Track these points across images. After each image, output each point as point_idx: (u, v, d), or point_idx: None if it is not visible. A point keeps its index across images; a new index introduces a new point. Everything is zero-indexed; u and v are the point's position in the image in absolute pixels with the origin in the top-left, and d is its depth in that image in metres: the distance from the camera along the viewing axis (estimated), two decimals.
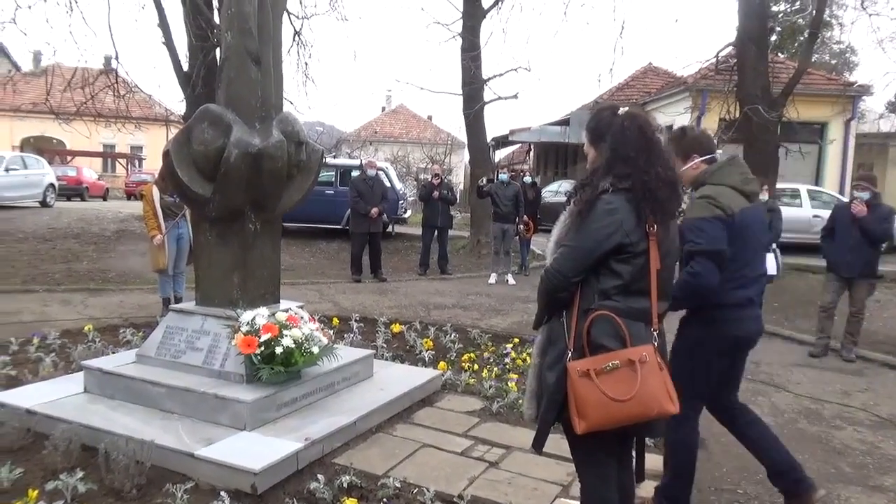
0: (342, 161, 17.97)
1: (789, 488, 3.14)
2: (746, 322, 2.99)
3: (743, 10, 10.92)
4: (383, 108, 48.50)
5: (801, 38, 19.34)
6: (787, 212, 8.11)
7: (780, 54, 21.37)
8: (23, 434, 3.65)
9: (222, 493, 3.01)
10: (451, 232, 11.92)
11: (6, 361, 5.00)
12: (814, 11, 11.81)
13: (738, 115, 11.11)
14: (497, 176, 11.31)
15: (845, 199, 8.50)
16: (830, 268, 6.71)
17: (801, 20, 15.43)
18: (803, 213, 12.86)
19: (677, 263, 2.62)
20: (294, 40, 13.11)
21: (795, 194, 14.42)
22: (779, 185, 12.35)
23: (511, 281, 10.40)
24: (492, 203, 10.64)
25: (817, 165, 17.65)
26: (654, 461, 3.81)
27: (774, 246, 6.89)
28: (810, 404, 5.20)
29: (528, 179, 12.04)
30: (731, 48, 11.83)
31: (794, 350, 6.90)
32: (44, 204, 18.36)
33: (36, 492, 2.97)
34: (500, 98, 14.29)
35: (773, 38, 18.02)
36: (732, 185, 2.84)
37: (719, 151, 3.11)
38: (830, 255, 6.65)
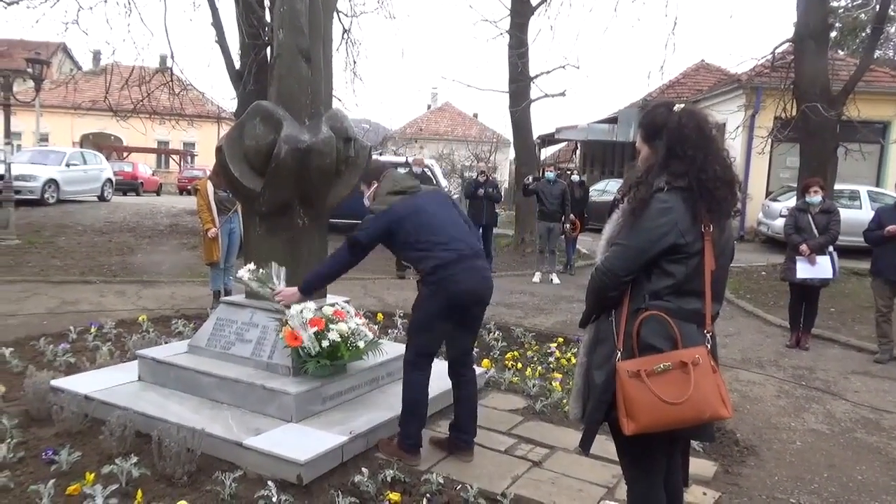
0: (388, 158, 18.10)
1: (453, 441, 3.74)
2: (462, 276, 3.44)
3: (802, 4, 10.56)
4: (429, 106, 48.58)
5: (863, 34, 18.61)
6: (845, 214, 7.78)
7: (839, 51, 20.60)
8: (81, 419, 3.79)
9: (269, 483, 3.06)
10: (495, 230, 11.88)
11: (66, 349, 5.20)
12: (877, 6, 11.35)
13: (794, 113, 10.75)
14: (543, 174, 11.20)
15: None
16: (876, 272, 6.50)
17: (863, 15, 14.85)
18: (863, 215, 12.34)
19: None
20: (343, 38, 13.27)
21: (855, 196, 13.89)
22: (837, 187, 11.92)
23: (555, 280, 10.31)
24: (538, 201, 10.55)
25: (879, 166, 16.95)
26: (698, 465, 3.74)
27: (831, 249, 6.64)
28: (868, 414, 5.01)
29: (575, 178, 11.90)
30: (788, 44, 11.45)
31: (853, 357, 6.65)
32: (101, 198, 18.99)
33: (92, 475, 3.08)
34: (547, 95, 14.10)
35: (833, 33, 17.37)
36: (387, 191, 3.65)
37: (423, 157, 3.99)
38: (876, 258, 6.48)
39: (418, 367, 3.60)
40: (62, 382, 4.22)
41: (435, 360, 4.55)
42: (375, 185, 3.80)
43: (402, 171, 3.77)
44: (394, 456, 3.58)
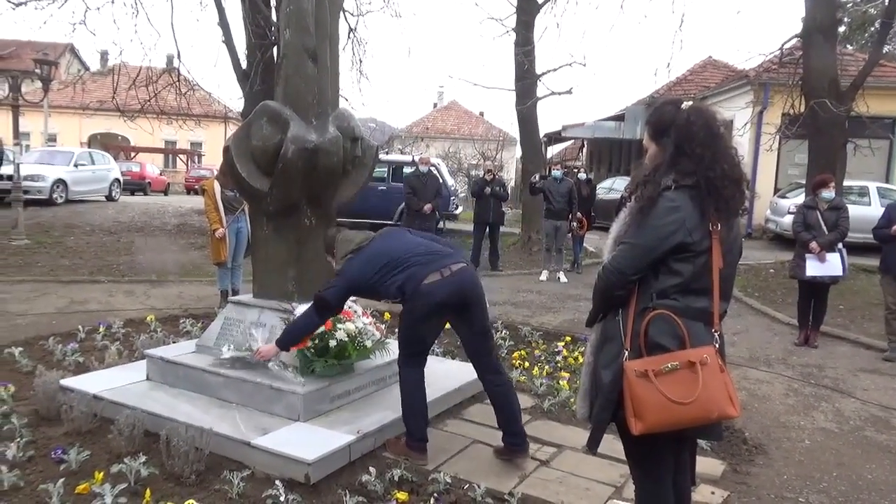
0: (394, 157, 18.12)
1: (506, 446, 3.71)
2: (432, 286, 3.47)
3: None
4: (435, 105, 48.56)
5: (872, 29, 18.47)
6: (854, 210, 7.71)
7: (848, 46, 20.46)
8: (90, 418, 3.81)
9: (277, 482, 3.07)
10: (502, 228, 11.87)
11: (75, 349, 5.22)
12: (886, 0, 11.26)
13: (802, 109, 10.69)
14: (550, 172, 11.17)
15: None
16: (886, 268, 6.45)
17: (872, 10, 14.69)
18: (872, 211, 12.25)
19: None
20: (349, 37, 13.29)
21: (864, 192, 13.78)
22: (846, 183, 11.82)
23: (563, 278, 10.29)
24: (544, 200, 10.53)
25: (888, 162, 16.83)
26: (707, 464, 3.72)
27: (840, 246, 6.60)
28: (878, 412, 4.98)
29: (582, 176, 11.86)
30: (796, 40, 11.38)
31: (862, 354, 6.61)
32: (109, 198, 19.08)
33: (102, 474, 3.09)
34: (553, 93, 14.01)
35: (842, 28, 17.23)
36: (343, 254, 3.74)
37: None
38: (886, 255, 6.43)
39: (409, 366, 3.65)
40: (71, 382, 4.24)
41: (451, 360, 4.54)
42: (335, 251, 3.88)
43: (354, 233, 3.92)
44: (401, 455, 3.59)
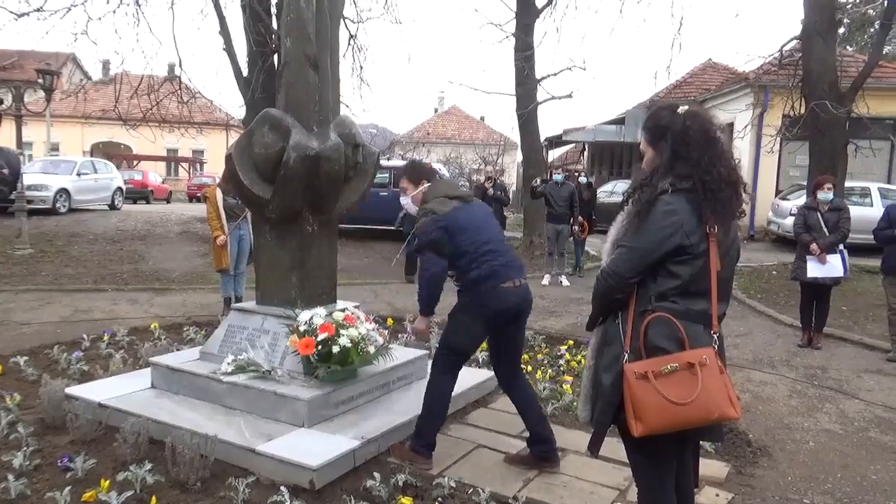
0: (396, 163, 18.14)
1: (538, 455, 3.68)
2: (504, 292, 3.48)
3: (809, 1, 10.52)
4: (436, 110, 48.62)
5: (872, 30, 18.49)
6: (856, 211, 7.72)
7: (848, 47, 20.48)
8: (95, 426, 3.83)
9: (282, 488, 3.08)
10: (504, 233, 11.88)
11: (80, 357, 5.26)
12: (885, 1, 11.28)
13: (803, 111, 10.70)
14: (551, 176, 11.20)
15: None
16: (887, 269, 6.46)
17: (871, 11, 14.70)
18: (874, 212, 12.26)
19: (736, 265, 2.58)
20: (350, 44, 13.30)
21: (865, 193, 13.79)
22: (848, 184, 11.83)
23: (565, 282, 10.30)
24: (546, 203, 10.55)
25: (889, 163, 16.83)
26: (711, 467, 3.72)
27: (841, 247, 6.60)
28: (883, 413, 4.98)
29: (583, 179, 11.88)
30: (795, 42, 11.40)
31: (865, 355, 6.60)
32: (112, 207, 19.12)
33: (107, 482, 3.11)
34: (553, 98, 14.07)
35: (841, 30, 17.24)
36: (444, 195, 3.64)
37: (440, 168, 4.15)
38: (887, 256, 6.44)
39: (445, 370, 3.64)
40: (76, 390, 4.26)
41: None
42: (425, 186, 3.79)
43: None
44: (406, 460, 3.60)
